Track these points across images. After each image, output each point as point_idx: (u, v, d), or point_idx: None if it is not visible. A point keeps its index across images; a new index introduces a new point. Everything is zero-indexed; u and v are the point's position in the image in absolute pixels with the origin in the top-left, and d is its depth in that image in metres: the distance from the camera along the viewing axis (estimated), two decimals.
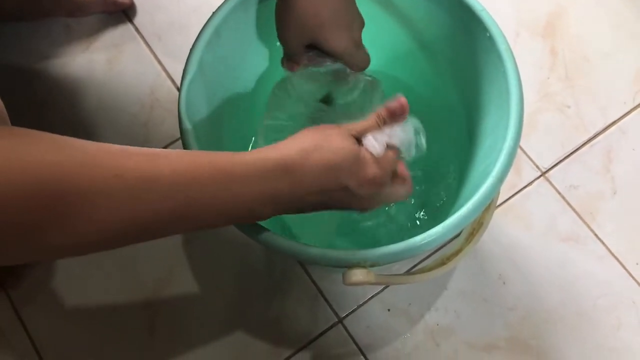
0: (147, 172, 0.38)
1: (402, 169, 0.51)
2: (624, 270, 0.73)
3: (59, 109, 0.82)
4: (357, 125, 0.48)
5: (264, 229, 0.49)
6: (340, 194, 0.46)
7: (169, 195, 0.39)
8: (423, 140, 0.51)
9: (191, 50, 0.55)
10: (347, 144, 0.46)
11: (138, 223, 0.39)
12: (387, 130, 0.49)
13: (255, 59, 0.62)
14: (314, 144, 0.44)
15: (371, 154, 0.47)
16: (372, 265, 0.48)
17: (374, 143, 0.48)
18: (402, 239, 0.48)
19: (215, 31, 0.55)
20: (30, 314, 0.73)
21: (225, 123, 0.62)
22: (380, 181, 0.47)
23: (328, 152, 0.44)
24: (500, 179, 0.50)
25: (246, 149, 0.68)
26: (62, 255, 0.39)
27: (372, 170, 0.46)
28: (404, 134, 0.49)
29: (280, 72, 0.58)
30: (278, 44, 0.56)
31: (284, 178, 0.43)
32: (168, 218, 0.40)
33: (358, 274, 0.48)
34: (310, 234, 0.61)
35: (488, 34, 0.54)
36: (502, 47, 0.53)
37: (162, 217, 0.40)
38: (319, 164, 0.44)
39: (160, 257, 0.75)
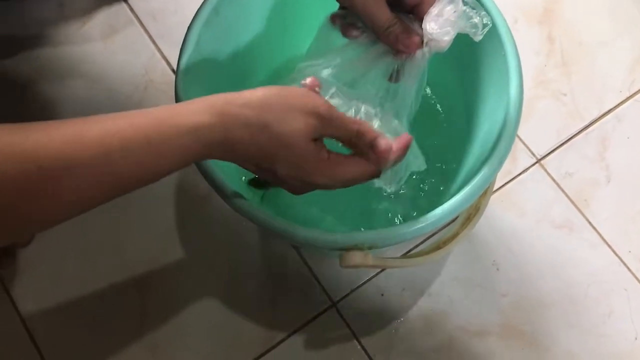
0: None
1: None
2: (617, 258, 0.74)
3: (51, 88, 0.81)
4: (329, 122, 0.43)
5: (261, 210, 0.49)
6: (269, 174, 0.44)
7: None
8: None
9: (189, 28, 0.54)
10: (299, 132, 0.41)
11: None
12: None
13: (255, 38, 0.61)
14: (262, 121, 0.41)
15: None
16: (369, 248, 0.48)
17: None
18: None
19: (214, 9, 0.54)
20: (21, 294, 0.73)
21: None
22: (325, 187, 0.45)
23: (271, 139, 0.41)
24: (498, 165, 0.50)
25: None
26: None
27: (321, 179, 0.44)
28: None
29: (280, 52, 0.58)
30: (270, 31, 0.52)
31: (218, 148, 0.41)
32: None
33: (356, 256, 0.47)
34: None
35: None
36: (502, 30, 0.53)
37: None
38: (256, 146, 0.41)
39: (154, 239, 0.75)
